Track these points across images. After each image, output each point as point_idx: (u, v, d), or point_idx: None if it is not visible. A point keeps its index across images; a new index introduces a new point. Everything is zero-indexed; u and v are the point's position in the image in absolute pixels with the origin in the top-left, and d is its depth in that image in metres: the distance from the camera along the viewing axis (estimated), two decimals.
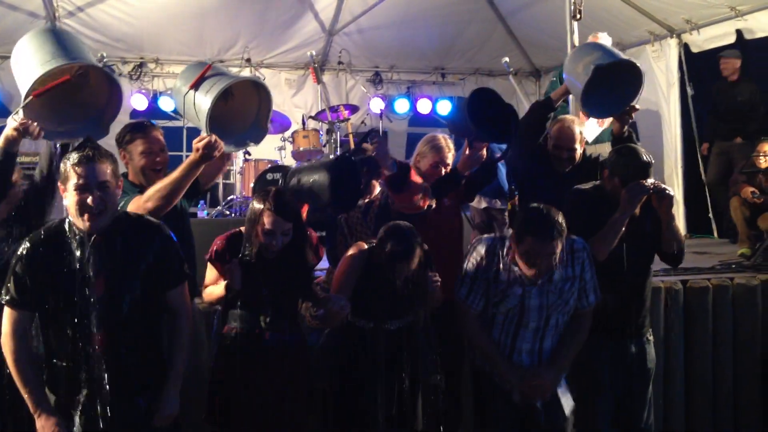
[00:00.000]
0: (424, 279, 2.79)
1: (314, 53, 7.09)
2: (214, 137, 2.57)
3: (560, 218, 2.60)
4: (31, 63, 2.54)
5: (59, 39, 2.64)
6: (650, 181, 2.88)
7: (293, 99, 8.17)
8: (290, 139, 6.51)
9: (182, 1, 6.78)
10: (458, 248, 3.38)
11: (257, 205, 2.60)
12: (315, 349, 2.92)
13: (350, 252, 2.85)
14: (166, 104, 7.25)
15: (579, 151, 3.46)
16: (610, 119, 3.78)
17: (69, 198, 2.20)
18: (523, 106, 6.07)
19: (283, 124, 6.72)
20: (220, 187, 6.75)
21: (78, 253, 2.21)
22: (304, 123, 6.92)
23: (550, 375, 2.77)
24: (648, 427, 3.12)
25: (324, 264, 3.26)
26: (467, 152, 3.17)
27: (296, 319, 2.78)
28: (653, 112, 6.83)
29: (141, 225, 2.37)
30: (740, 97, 6.01)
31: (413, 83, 8.54)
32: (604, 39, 4.63)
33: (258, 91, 2.83)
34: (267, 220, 2.55)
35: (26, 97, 2.46)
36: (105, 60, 6.52)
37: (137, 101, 7.27)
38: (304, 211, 2.85)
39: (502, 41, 8.02)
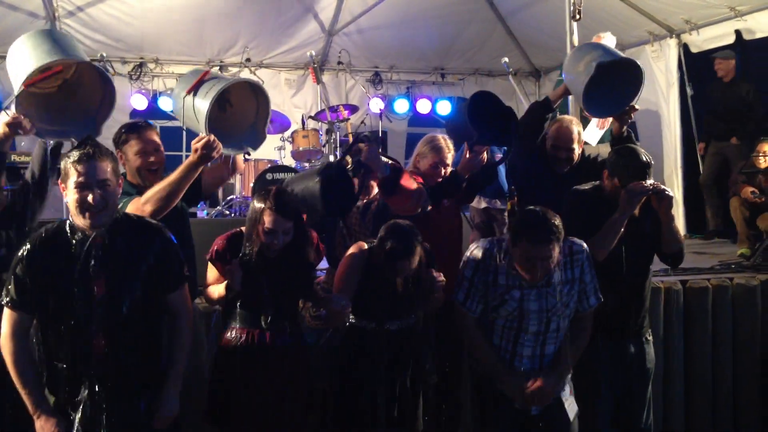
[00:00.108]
0: (426, 278, 2.77)
1: (314, 53, 7.09)
2: (212, 137, 2.56)
3: (557, 221, 2.57)
4: (25, 61, 2.55)
5: (54, 39, 2.66)
6: (650, 181, 2.87)
7: (293, 99, 8.17)
8: (290, 139, 6.52)
9: (182, 2, 6.78)
10: (458, 248, 3.37)
11: (258, 205, 2.59)
12: (315, 349, 2.91)
13: (351, 251, 2.84)
14: (165, 104, 7.22)
15: (577, 151, 3.46)
16: (611, 121, 3.78)
17: (69, 195, 2.20)
18: (522, 107, 6.06)
19: (283, 124, 6.71)
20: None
21: (78, 255, 2.20)
22: (303, 123, 6.93)
23: (551, 380, 2.73)
24: (647, 427, 3.12)
25: (324, 264, 3.26)
26: (467, 156, 3.17)
27: (297, 319, 2.77)
28: (653, 112, 6.82)
29: (141, 226, 2.38)
30: (736, 97, 6.00)
31: (413, 83, 8.53)
32: (608, 39, 4.62)
33: (256, 96, 2.83)
34: (268, 219, 2.55)
35: (18, 89, 2.46)
36: (105, 60, 6.52)
37: (137, 101, 7.28)
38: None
39: (501, 41, 8.01)
